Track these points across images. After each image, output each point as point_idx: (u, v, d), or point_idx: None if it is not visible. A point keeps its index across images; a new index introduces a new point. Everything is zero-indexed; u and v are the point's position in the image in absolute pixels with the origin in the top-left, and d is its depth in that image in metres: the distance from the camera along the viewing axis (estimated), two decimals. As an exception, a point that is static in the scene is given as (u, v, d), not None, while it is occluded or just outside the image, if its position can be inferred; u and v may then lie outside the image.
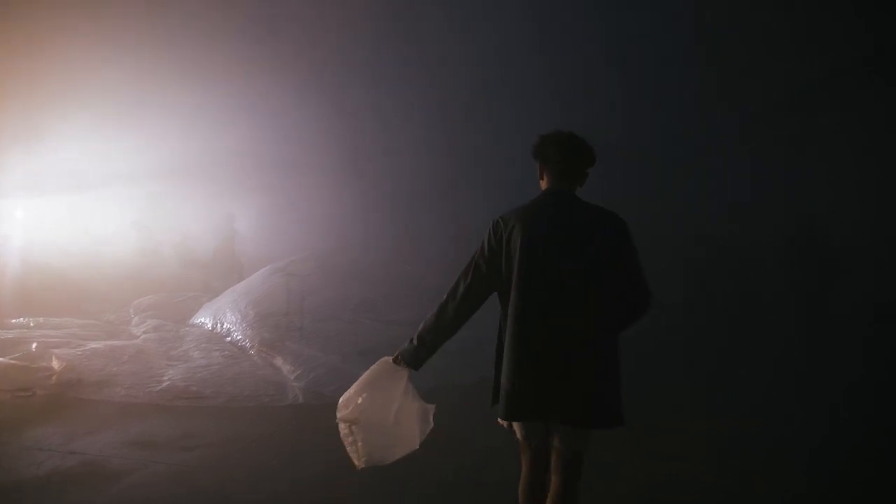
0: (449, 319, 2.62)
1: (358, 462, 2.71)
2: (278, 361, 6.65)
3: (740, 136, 10.36)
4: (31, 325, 8.15)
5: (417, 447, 2.68)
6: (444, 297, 2.65)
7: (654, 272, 2.60)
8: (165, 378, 6.04)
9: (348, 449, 2.72)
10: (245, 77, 12.01)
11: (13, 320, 8.35)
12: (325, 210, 13.05)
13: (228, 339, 7.46)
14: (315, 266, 8.46)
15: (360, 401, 2.66)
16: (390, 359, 2.69)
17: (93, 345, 6.91)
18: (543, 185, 2.66)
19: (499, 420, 2.60)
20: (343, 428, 2.71)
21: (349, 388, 2.73)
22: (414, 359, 2.65)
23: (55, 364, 6.10)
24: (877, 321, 7.19)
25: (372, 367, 2.71)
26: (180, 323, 8.55)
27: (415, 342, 2.65)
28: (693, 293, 8.69)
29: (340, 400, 2.73)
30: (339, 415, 2.71)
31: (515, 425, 2.58)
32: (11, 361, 6.07)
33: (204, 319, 8.25)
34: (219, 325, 7.82)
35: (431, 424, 2.67)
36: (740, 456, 4.44)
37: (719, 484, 4.01)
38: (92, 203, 12.04)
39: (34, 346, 6.61)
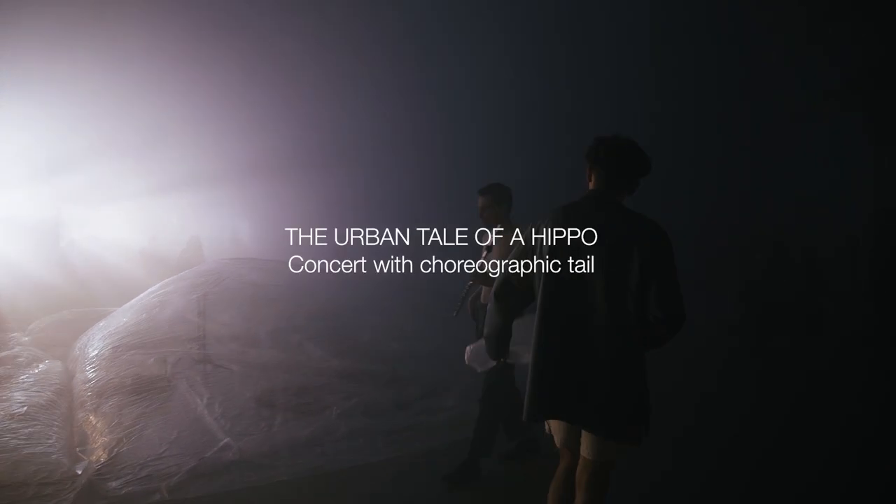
0: (503, 318, 2.62)
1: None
2: (94, 422, 4.28)
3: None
4: None
5: None
6: (493, 296, 2.61)
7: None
8: None
9: None
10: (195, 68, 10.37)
11: None
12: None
13: (74, 379, 5.16)
14: (216, 280, 5.96)
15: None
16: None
17: None
18: (590, 186, 2.58)
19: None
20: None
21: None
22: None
23: None
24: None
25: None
26: (63, 351, 6.36)
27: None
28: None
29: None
30: None
31: (552, 431, 2.59)
32: None
33: (77, 348, 6.01)
34: (73, 359, 5.56)
35: None
36: (749, 457, 4.19)
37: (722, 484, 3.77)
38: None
39: None
